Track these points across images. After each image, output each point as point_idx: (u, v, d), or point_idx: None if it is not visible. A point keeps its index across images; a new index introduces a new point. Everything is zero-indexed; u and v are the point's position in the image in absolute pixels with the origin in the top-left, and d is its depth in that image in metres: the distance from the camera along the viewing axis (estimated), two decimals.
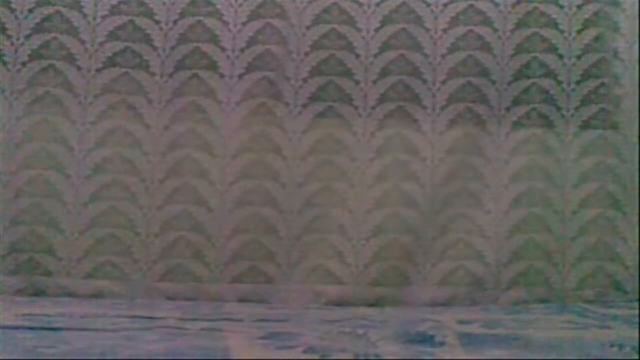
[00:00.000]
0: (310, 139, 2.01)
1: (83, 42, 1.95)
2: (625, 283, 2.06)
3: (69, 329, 1.52)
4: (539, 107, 2.06)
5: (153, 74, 1.97)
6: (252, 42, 1.99)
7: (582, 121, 2.08)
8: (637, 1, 2.10)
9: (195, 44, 1.98)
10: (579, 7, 2.08)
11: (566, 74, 2.07)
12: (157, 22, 1.97)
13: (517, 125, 2.06)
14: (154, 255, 1.95)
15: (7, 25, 1.93)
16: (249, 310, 1.81)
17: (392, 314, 1.84)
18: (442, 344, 1.52)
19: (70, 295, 1.90)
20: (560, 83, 2.07)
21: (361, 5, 2.03)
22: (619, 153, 2.09)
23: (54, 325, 1.55)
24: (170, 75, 1.97)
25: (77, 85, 1.95)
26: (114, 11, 1.96)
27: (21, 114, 1.93)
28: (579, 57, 2.07)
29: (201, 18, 1.98)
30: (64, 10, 1.95)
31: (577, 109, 2.08)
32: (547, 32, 2.07)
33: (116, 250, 1.94)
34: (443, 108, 2.04)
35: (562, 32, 2.07)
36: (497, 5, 2.05)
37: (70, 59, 1.95)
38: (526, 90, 2.06)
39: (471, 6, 2.05)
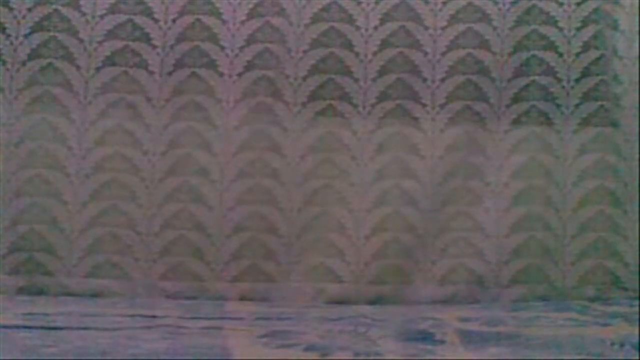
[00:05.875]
0: (309, 137, 2.01)
1: (82, 41, 1.95)
2: (625, 280, 2.06)
3: (69, 328, 1.52)
4: (538, 105, 2.06)
5: (152, 73, 1.97)
6: (251, 40, 1.99)
7: (581, 118, 2.08)
8: None
9: (194, 42, 1.98)
10: (578, 4, 2.08)
11: (565, 71, 2.07)
12: (156, 21, 1.97)
13: (516, 122, 2.06)
14: (154, 253, 1.95)
15: (5, 24, 1.93)
16: (249, 309, 1.81)
17: (392, 311, 1.84)
18: (442, 341, 1.51)
19: (70, 294, 1.90)
20: (559, 80, 2.07)
21: (360, 2, 2.03)
22: (619, 150, 2.09)
23: (54, 324, 1.55)
24: (169, 74, 1.97)
25: (76, 84, 1.95)
26: (113, 9, 1.96)
27: (20, 113, 1.93)
28: (578, 55, 2.07)
29: (200, 16, 1.98)
30: (63, 9, 1.95)
31: (576, 106, 2.08)
32: (546, 30, 2.07)
33: (116, 249, 1.94)
34: (442, 106, 2.04)
35: (561, 29, 2.07)
36: (496, 2, 2.05)
37: (69, 57, 1.94)
38: (525, 88, 2.06)
39: (470, 3, 2.05)
